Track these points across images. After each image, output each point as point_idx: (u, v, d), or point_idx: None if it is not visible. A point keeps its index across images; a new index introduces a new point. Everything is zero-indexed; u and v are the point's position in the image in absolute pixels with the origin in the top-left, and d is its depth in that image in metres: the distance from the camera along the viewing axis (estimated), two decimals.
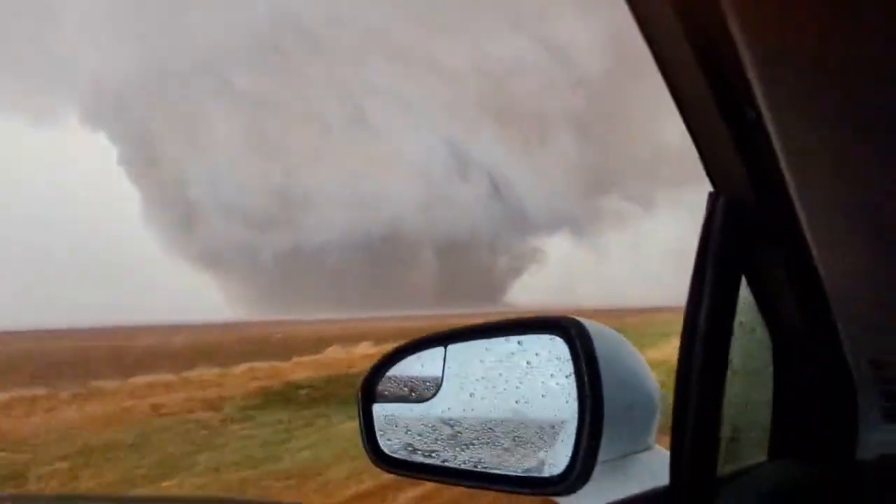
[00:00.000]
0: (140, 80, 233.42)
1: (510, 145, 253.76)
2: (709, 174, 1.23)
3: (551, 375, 1.50)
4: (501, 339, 1.62)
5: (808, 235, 1.21)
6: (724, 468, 1.32)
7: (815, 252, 1.24)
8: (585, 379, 1.35)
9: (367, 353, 30.82)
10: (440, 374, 1.67)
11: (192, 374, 21.94)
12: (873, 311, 1.40)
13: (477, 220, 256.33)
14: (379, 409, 1.76)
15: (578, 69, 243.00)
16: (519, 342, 1.58)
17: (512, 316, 1.74)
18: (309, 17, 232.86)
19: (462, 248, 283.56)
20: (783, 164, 1.06)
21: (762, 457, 1.53)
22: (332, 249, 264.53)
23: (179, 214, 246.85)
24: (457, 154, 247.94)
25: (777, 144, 1.00)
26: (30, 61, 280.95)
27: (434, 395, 1.67)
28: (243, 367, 23.77)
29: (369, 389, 1.76)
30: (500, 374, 1.59)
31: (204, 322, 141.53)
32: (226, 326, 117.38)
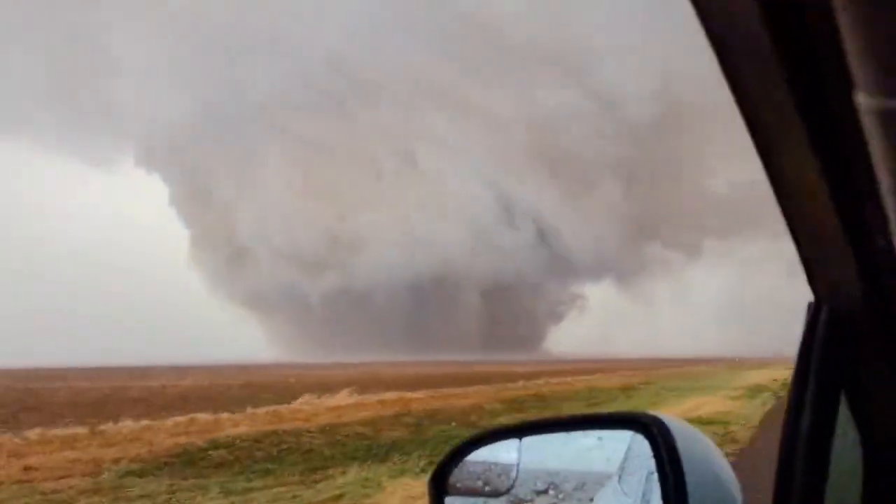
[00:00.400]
0: (195, 124, 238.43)
1: (556, 192, 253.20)
2: (811, 282, 1.18)
3: (631, 474, 1.49)
4: (579, 434, 1.60)
5: None
6: None
7: None
8: (670, 479, 1.33)
9: (337, 403, 28.96)
10: (515, 467, 1.61)
11: (112, 426, 20.24)
12: None
13: (522, 265, 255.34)
14: (451, 502, 1.66)
15: (626, 118, 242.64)
16: (599, 438, 1.56)
17: (590, 412, 1.58)
18: (361, 64, 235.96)
19: (506, 293, 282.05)
20: None
21: None
22: (379, 292, 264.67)
23: (227, 255, 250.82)
24: (504, 199, 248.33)
25: None
26: (90, 107, 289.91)
27: (509, 489, 1.61)
28: (179, 419, 21.98)
29: (441, 480, 1.66)
30: (578, 470, 1.57)
31: (227, 363, 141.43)
32: (245, 368, 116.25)
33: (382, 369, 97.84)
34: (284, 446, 18.61)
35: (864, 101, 0.65)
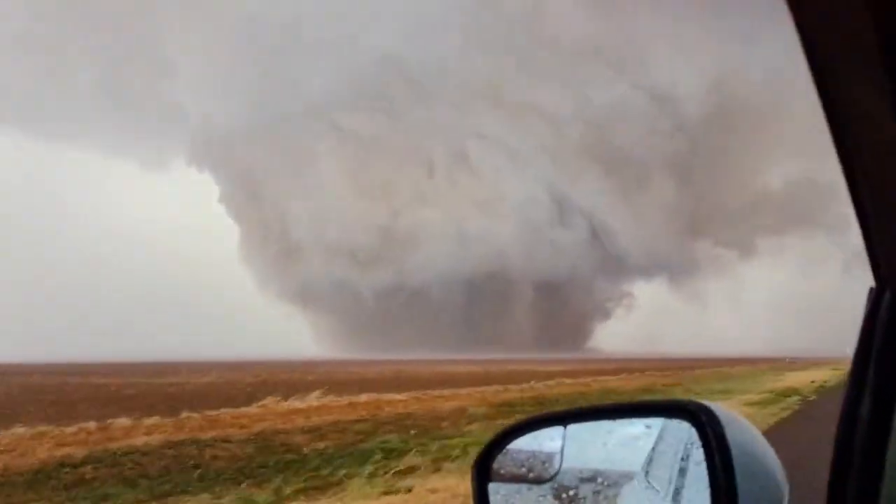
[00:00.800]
0: (247, 125, 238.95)
1: (609, 189, 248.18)
2: (874, 265, 1.14)
3: (681, 462, 1.44)
4: (626, 422, 1.56)
5: None
6: None
7: None
8: (718, 468, 1.30)
9: (299, 406, 26.36)
10: (559, 454, 1.58)
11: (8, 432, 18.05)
12: None
13: (574, 262, 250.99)
14: (494, 489, 1.63)
15: (679, 115, 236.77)
16: (647, 426, 1.52)
17: (639, 399, 1.59)
18: (413, 63, 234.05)
19: (558, 291, 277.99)
20: None
21: None
22: (431, 289, 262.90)
23: (277, 252, 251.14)
24: (556, 196, 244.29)
25: None
26: (146, 110, 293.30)
27: (553, 476, 1.57)
28: (89, 424, 19.69)
29: (485, 467, 1.64)
30: (625, 458, 1.52)
31: (267, 359, 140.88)
32: (278, 364, 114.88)
33: (416, 367, 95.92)
34: (182, 460, 16.12)
35: None
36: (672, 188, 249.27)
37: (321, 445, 18.14)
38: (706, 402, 1.37)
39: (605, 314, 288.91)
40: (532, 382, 44.64)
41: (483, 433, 20.40)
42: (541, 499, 1.55)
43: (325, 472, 14.67)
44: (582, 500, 1.50)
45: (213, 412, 23.91)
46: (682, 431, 1.40)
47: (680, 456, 1.40)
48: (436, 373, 73.52)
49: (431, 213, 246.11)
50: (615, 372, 63.07)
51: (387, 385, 44.56)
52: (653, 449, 1.47)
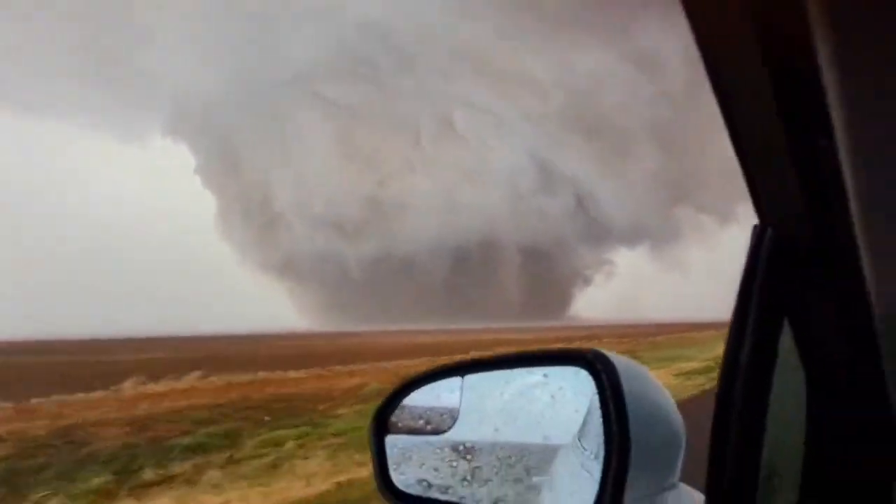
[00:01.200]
0: (225, 92, 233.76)
1: (593, 157, 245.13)
2: (756, 203, 1.13)
3: (576, 410, 1.44)
4: (523, 371, 1.53)
5: (868, 281, 1.08)
6: None
7: (873, 299, 1.12)
8: (612, 415, 1.29)
9: (157, 391, 23.27)
10: (457, 406, 1.56)
11: None
12: None
13: (559, 231, 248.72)
14: (392, 441, 1.62)
15: (662, 81, 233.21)
16: (544, 374, 1.49)
17: (534, 348, 1.74)
18: (396, 30, 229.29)
19: (543, 259, 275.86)
20: (852, 204, 0.93)
21: (794, 498, 1.42)
22: (416, 258, 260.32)
23: (259, 224, 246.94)
24: (541, 164, 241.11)
25: (849, 181, 0.88)
26: (120, 79, 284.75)
27: (451, 427, 1.57)
28: None
29: (382, 420, 1.64)
30: (522, 407, 1.51)
31: (243, 332, 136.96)
32: (237, 339, 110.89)
33: (384, 338, 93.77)
34: None
35: None
36: (655, 155, 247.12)
37: (121, 442, 15.11)
38: (604, 351, 1.34)
39: (587, 282, 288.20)
40: (472, 352, 41.79)
41: (355, 420, 17.74)
42: (438, 451, 1.54)
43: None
44: (478, 451, 1.50)
45: (41, 399, 21.00)
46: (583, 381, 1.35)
47: (575, 406, 1.38)
48: (399, 344, 71.04)
49: (415, 181, 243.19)
50: (583, 339, 60.21)
51: (326, 359, 41.58)
52: (551, 397, 1.43)
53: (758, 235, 1.14)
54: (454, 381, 1.54)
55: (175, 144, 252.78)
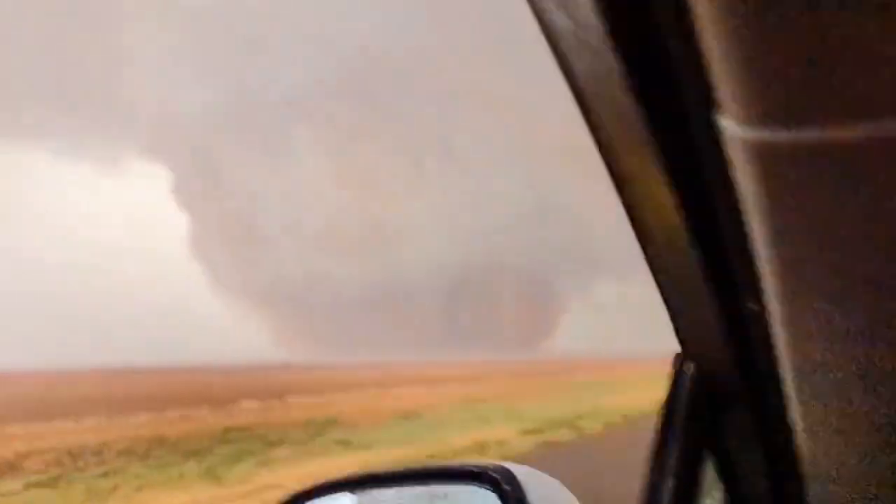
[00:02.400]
0: (214, 114, 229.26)
1: (592, 185, 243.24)
2: (677, 333, 1.09)
3: None
4: (422, 490, 1.45)
5: (796, 429, 1.08)
6: None
7: (799, 448, 1.13)
8: None
9: None
10: None
11: None
12: None
13: (555, 259, 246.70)
14: None
15: None
16: (445, 494, 1.42)
17: (434, 463, 1.82)
18: (394, 56, 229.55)
19: (538, 288, 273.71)
20: (781, 353, 0.91)
21: None
22: (409, 286, 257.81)
23: (237, 246, 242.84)
24: (539, 191, 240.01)
25: (779, 332, 0.85)
26: (100, 103, 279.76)
27: None
28: None
29: None
30: None
31: (181, 366, 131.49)
32: (192, 372, 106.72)
33: (364, 371, 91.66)
34: None
35: (728, 127, 0.55)
36: None
37: None
38: (510, 465, 1.30)
39: (580, 312, 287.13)
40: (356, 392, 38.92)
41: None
42: None
43: None
44: None
45: None
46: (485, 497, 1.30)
47: None
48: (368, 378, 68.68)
49: (413, 206, 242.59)
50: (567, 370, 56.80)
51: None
52: None
53: (679, 366, 1.10)
54: (344, 499, 1.44)
55: (150, 165, 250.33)
